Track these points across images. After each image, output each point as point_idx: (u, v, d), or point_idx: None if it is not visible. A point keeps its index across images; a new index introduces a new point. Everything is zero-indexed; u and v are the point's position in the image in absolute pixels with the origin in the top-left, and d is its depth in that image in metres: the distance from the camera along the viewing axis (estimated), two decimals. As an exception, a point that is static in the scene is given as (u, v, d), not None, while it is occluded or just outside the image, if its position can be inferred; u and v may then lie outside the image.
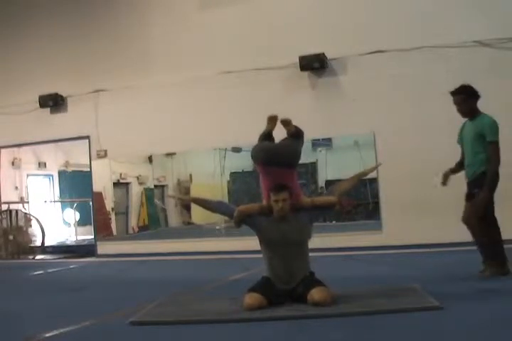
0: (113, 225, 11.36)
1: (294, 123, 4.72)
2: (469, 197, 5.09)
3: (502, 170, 5.02)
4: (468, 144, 5.15)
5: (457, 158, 8.16)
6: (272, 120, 4.73)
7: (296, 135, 4.67)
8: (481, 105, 8.17)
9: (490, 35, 8.21)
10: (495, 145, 5.01)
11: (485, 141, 5.01)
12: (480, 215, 5.02)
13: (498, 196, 5.10)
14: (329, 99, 9.12)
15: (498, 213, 5.07)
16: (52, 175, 15.50)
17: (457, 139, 5.41)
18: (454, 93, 5.19)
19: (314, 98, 9.15)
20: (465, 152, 5.25)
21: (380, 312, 3.93)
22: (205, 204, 4.79)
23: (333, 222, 9.78)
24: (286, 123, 4.67)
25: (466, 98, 5.13)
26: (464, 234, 7.86)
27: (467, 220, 5.08)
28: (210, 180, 10.93)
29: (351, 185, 4.81)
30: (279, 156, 4.51)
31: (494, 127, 5.06)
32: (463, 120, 8.37)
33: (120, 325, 4.05)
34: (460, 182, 8.12)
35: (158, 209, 12.47)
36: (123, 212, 12.19)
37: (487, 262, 5.08)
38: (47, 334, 3.92)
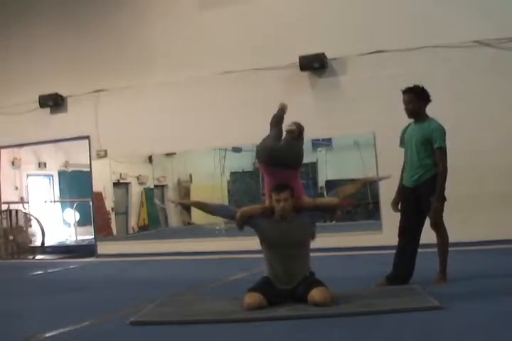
0: (113, 225, 11.35)
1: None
2: (425, 205, 4.96)
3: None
4: (413, 148, 5.05)
5: (456, 157, 8.15)
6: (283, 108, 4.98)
7: (297, 137, 4.68)
8: (482, 105, 8.24)
9: (490, 35, 8.21)
10: (444, 152, 4.95)
11: (431, 146, 4.94)
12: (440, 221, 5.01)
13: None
14: (329, 99, 9.11)
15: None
16: (52, 175, 15.51)
17: (399, 142, 5.29)
18: (405, 91, 5.12)
19: (314, 98, 9.15)
20: (407, 155, 5.14)
21: (380, 312, 3.93)
22: (205, 207, 4.79)
23: (333, 222, 9.77)
24: (291, 132, 4.63)
25: (416, 98, 5.06)
26: (463, 235, 7.89)
27: (436, 228, 5.02)
28: (210, 180, 10.92)
29: (355, 189, 4.84)
30: (283, 157, 4.52)
31: (443, 133, 4.98)
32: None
33: (120, 325, 4.05)
34: (461, 181, 8.15)
35: (158, 209, 12.46)
36: (123, 212, 12.19)
37: (443, 272, 5.07)
38: (47, 334, 3.92)
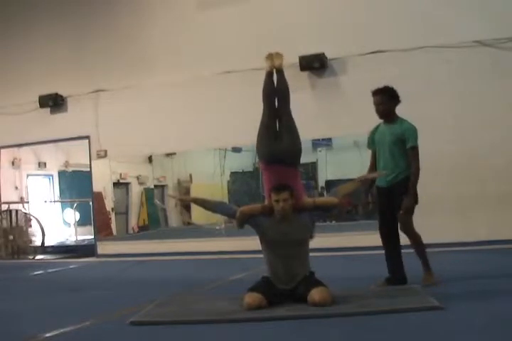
0: (113, 225, 11.36)
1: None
2: (396, 205, 4.95)
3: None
4: (386, 149, 5.03)
5: (456, 158, 8.17)
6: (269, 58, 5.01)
7: (286, 91, 4.80)
8: (482, 105, 8.25)
9: (490, 35, 8.20)
10: (416, 151, 4.94)
11: (404, 146, 4.93)
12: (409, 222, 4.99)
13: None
14: (329, 99, 9.11)
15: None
16: (52, 175, 15.51)
17: (368, 143, 5.28)
18: (375, 92, 5.11)
19: (314, 98, 9.14)
20: (380, 156, 5.12)
21: (380, 312, 3.93)
22: (206, 204, 4.78)
23: (333, 222, 9.78)
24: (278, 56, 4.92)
25: (386, 99, 5.04)
26: (464, 235, 7.90)
27: (405, 230, 5.01)
28: (210, 180, 10.94)
29: (354, 187, 4.84)
30: (284, 156, 4.54)
31: (415, 132, 4.98)
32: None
33: (120, 325, 4.05)
34: (463, 181, 8.16)
35: (158, 209, 12.47)
36: (123, 212, 12.19)
37: (428, 270, 5.06)
38: (47, 334, 3.92)
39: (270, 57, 4.90)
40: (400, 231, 5.09)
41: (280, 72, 4.82)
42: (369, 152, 5.35)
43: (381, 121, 5.20)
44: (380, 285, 4.97)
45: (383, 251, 5.20)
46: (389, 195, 5.02)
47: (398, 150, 4.97)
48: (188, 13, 10.07)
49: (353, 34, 9.00)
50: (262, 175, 4.73)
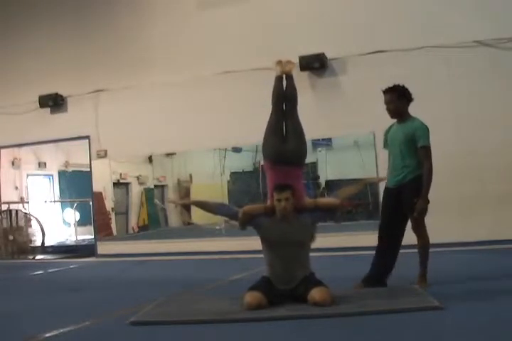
0: (113, 225, 11.35)
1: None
2: (407, 206, 4.88)
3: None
4: (396, 148, 4.96)
5: (456, 158, 8.16)
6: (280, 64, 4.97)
7: (294, 95, 4.80)
8: (482, 105, 8.25)
9: (490, 35, 8.21)
10: (427, 150, 4.87)
11: (414, 146, 4.85)
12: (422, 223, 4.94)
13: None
14: (329, 99, 9.12)
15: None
16: (52, 175, 15.51)
17: (383, 144, 5.23)
18: (385, 91, 5.07)
19: (314, 98, 9.14)
20: (391, 156, 5.07)
21: (380, 312, 3.93)
22: (206, 206, 4.80)
23: (333, 222, 9.76)
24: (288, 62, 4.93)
25: (396, 98, 4.98)
26: (464, 235, 7.90)
27: (417, 230, 4.96)
28: (210, 180, 10.93)
29: (356, 190, 4.90)
30: (291, 157, 4.57)
31: (426, 131, 4.89)
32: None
33: (120, 325, 4.05)
34: (463, 181, 8.15)
35: (158, 209, 12.46)
36: (123, 212, 12.18)
37: (424, 274, 4.99)
38: (47, 334, 3.92)
39: (280, 62, 4.91)
40: (399, 234, 5.06)
41: (290, 77, 4.86)
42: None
43: (395, 120, 5.13)
44: (357, 287, 4.93)
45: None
46: (397, 196, 4.96)
47: (408, 149, 4.90)
48: (188, 13, 10.08)
49: (353, 34, 9.00)
50: (266, 174, 4.74)
